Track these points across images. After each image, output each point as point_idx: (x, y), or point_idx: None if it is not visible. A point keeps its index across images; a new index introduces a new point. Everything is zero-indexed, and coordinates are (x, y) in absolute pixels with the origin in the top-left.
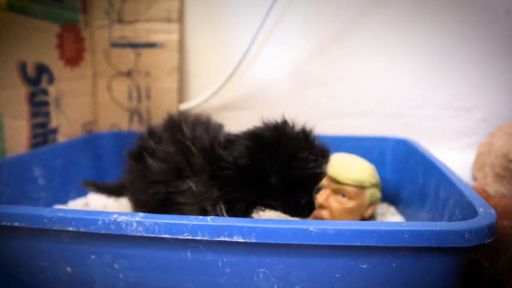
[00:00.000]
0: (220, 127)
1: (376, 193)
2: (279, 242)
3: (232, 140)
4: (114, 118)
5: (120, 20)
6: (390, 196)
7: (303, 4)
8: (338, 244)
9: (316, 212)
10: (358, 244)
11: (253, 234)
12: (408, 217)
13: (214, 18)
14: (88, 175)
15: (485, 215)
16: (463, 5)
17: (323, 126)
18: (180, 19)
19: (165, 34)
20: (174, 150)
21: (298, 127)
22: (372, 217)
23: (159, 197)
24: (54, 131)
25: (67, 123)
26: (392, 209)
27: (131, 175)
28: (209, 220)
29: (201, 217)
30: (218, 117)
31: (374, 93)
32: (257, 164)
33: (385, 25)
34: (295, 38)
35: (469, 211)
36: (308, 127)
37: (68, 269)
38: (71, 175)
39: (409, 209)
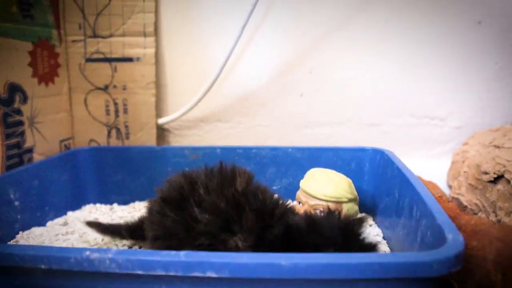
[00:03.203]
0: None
1: (354, 207)
2: (252, 277)
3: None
4: (92, 134)
5: (95, 35)
6: (368, 206)
7: (280, 15)
8: (310, 278)
9: None
10: (329, 277)
11: (226, 270)
12: (385, 229)
13: (190, 30)
14: (67, 193)
15: (454, 243)
16: (436, 16)
17: (300, 135)
18: (156, 32)
19: (141, 48)
20: (225, 203)
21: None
22: None
23: (202, 249)
24: (30, 150)
25: (43, 142)
26: (370, 220)
27: (165, 222)
28: (182, 256)
29: (173, 252)
30: (197, 130)
31: (351, 102)
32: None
33: (361, 35)
34: (272, 48)
35: (439, 235)
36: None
37: None
38: (49, 194)
39: (386, 221)
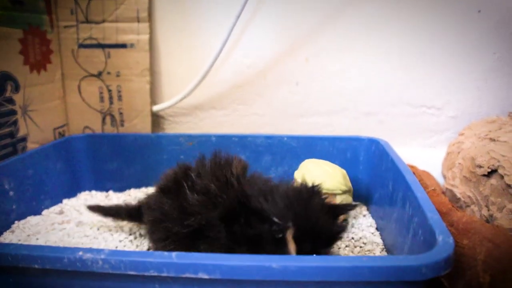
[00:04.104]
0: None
1: (348, 198)
2: (243, 278)
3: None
4: (87, 121)
5: (88, 20)
6: (363, 196)
7: (276, 2)
8: (300, 280)
9: None
10: (319, 279)
11: (218, 271)
12: (379, 219)
13: (185, 16)
14: (62, 181)
15: (443, 245)
16: (435, 4)
17: (296, 124)
18: (150, 18)
19: (134, 34)
20: (215, 185)
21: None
22: (344, 221)
23: (192, 229)
24: (24, 139)
25: (37, 130)
26: (364, 210)
27: (162, 206)
28: (174, 257)
29: (166, 253)
30: (193, 117)
31: (347, 91)
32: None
33: (358, 24)
34: (268, 36)
35: (430, 236)
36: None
37: None
38: (44, 182)
39: (380, 212)
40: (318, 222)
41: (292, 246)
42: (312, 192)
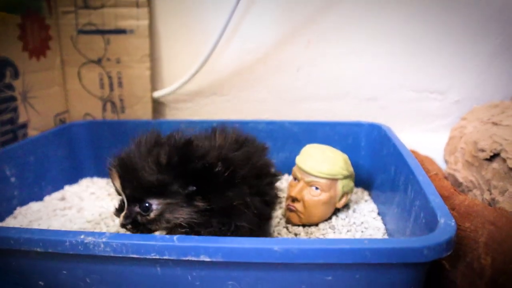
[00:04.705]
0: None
1: (349, 183)
2: (244, 261)
3: None
4: (87, 108)
5: (86, 6)
6: (364, 181)
7: None
8: (302, 262)
9: (290, 205)
10: (321, 261)
11: (219, 254)
12: (380, 204)
13: (184, 1)
14: (64, 167)
15: (445, 228)
16: None
17: (297, 110)
18: (149, 3)
19: (134, 19)
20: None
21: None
22: (346, 206)
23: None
24: (24, 126)
25: (38, 117)
26: (366, 195)
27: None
28: (176, 240)
29: (167, 237)
30: (193, 104)
31: (349, 76)
32: None
33: (359, 8)
34: (269, 20)
35: (432, 218)
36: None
37: (41, 283)
38: (45, 169)
39: (382, 197)
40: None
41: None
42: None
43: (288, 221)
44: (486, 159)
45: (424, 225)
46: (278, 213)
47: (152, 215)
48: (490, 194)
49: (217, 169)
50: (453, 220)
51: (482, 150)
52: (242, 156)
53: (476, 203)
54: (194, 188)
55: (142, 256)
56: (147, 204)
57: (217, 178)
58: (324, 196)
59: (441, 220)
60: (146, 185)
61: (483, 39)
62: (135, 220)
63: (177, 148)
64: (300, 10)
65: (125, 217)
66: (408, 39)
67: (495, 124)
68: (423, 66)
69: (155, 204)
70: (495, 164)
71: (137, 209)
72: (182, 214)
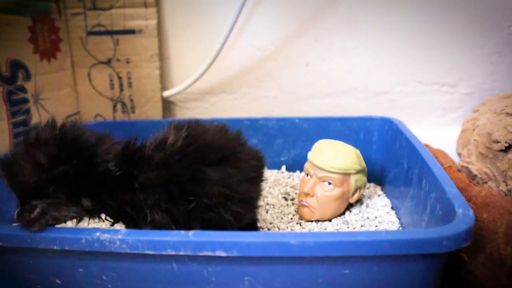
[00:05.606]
0: None
1: (362, 178)
2: (260, 255)
3: None
4: (98, 109)
5: (95, 7)
6: (377, 176)
7: None
8: (319, 255)
9: (303, 201)
10: (338, 254)
11: (235, 249)
12: (394, 199)
13: (192, 0)
14: None
15: (463, 218)
16: None
17: (307, 105)
18: (157, 3)
19: (142, 19)
20: None
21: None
22: (359, 201)
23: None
24: (36, 128)
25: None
26: (378, 190)
27: None
28: (191, 235)
29: (183, 232)
30: (203, 102)
31: (358, 71)
32: None
33: (367, 2)
34: (277, 17)
35: (449, 209)
36: None
37: (58, 281)
38: None
39: (395, 191)
40: None
41: None
42: None
43: (301, 217)
44: (501, 150)
45: (441, 217)
46: (291, 209)
47: (35, 213)
48: (506, 185)
49: (102, 169)
50: (471, 210)
51: (497, 141)
52: (165, 159)
53: (493, 194)
54: (77, 188)
55: (157, 252)
56: (32, 204)
57: (106, 178)
58: (337, 191)
59: (459, 211)
60: (26, 187)
61: (493, 28)
62: (26, 218)
63: (62, 146)
64: (308, 6)
65: (17, 215)
66: (416, 32)
67: (509, 114)
68: (432, 58)
69: (39, 204)
70: (510, 155)
71: (27, 207)
72: (70, 212)
